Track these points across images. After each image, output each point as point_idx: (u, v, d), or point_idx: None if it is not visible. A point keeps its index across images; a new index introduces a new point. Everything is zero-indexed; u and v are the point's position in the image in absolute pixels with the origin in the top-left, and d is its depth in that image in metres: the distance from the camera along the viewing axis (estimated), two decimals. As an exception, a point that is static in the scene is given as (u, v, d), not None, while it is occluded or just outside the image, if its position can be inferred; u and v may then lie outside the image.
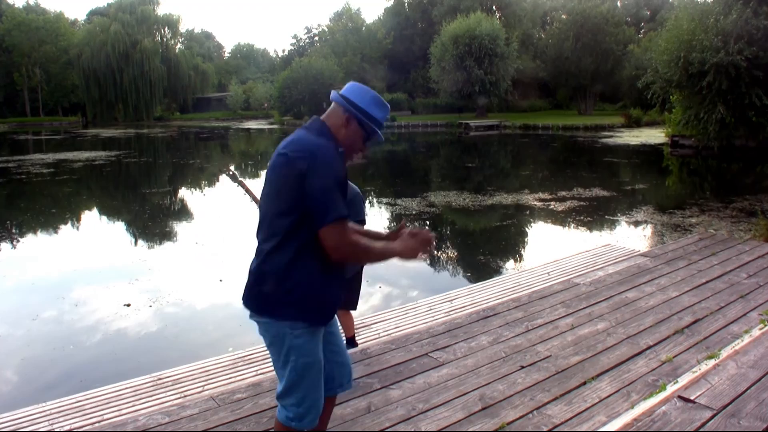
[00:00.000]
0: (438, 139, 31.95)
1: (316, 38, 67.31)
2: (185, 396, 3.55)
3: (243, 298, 2.08)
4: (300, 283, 1.97)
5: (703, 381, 3.01)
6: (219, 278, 6.89)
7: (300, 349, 2.02)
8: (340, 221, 1.91)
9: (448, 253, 8.92)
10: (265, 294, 2.00)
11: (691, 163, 19.06)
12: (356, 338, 4.26)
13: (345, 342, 4.20)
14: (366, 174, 16.95)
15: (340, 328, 4.35)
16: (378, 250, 2.06)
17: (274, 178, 1.98)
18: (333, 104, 2.09)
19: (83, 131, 43.82)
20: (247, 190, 3.58)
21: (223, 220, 11.00)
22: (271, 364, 4.06)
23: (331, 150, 1.95)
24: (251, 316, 2.08)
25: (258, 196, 4.14)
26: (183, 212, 12.56)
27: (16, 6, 58.17)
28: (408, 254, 2.08)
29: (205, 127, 45.88)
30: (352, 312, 4.18)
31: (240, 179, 3.98)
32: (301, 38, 71.54)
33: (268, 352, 4.23)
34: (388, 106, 2.14)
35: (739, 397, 2.84)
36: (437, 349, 3.73)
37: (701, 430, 2.59)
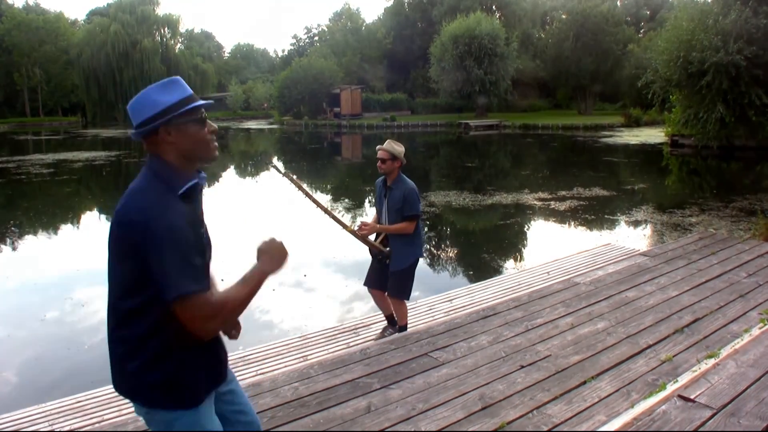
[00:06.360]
0: (438, 138, 31.96)
1: (316, 38, 67.35)
2: (185, 396, 3.54)
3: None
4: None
5: (702, 380, 3.01)
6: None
7: None
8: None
9: (447, 253, 8.92)
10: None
11: (690, 162, 19.06)
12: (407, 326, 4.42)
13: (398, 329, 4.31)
14: (365, 174, 16.94)
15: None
16: (241, 290, 1.73)
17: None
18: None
19: (83, 131, 43.79)
20: (301, 188, 3.24)
21: (221, 219, 10.99)
22: (271, 363, 4.10)
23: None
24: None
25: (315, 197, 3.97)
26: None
27: (15, 6, 58.23)
28: (273, 265, 1.81)
29: (205, 127, 45.85)
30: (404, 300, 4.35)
31: (289, 174, 3.80)
32: (300, 38, 71.77)
33: (267, 352, 4.27)
34: (176, 78, 1.78)
35: (738, 396, 2.85)
36: (437, 349, 3.73)
37: (701, 429, 2.59)
